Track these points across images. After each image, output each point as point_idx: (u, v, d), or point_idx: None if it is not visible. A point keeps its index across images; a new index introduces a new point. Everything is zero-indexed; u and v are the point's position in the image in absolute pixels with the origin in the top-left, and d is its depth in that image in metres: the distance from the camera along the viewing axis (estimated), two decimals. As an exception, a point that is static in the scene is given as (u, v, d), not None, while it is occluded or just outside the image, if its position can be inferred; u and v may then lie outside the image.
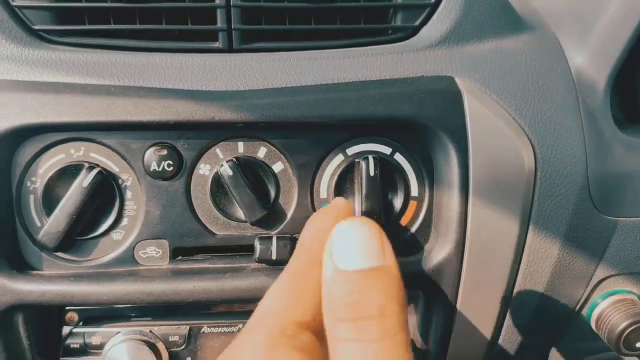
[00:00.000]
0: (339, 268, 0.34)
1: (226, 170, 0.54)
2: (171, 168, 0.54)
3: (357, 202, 0.56)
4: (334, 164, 0.57)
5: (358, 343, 0.32)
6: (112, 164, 0.55)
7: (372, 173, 0.55)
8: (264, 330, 0.34)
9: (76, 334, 0.59)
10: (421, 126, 0.54)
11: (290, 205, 0.57)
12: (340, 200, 0.47)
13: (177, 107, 0.51)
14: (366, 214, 0.54)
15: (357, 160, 0.56)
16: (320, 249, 0.38)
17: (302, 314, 0.35)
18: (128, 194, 0.55)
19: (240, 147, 0.56)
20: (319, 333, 0.37)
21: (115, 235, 0.56)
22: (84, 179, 0.52)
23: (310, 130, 0.56)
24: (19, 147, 0.53)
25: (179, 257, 0.57)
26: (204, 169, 0.56)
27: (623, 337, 0.59)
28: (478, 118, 0.54)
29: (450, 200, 0.55)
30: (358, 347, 0.32)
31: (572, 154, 0.56)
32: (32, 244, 0.55)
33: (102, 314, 0.59)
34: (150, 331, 0.58)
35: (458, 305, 0.57)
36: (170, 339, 0.59)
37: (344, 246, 0.35)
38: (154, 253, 0.56)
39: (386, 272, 0.34)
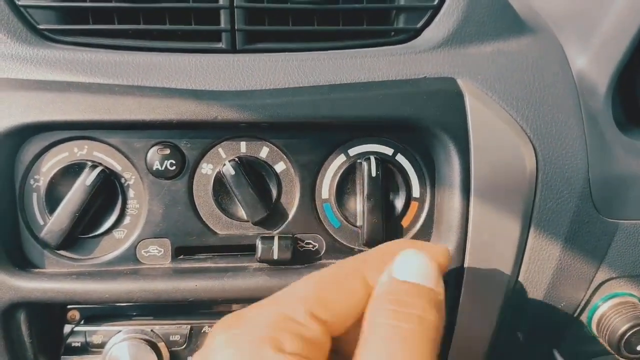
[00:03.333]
0: (396, 277, 0.37)
1: (228, 170, 0.54)
2: (174, 167, 0.55)
3: (359, 202, 0.56)
4: (336, 165, 0.57)
5: (394, 322, 0.34)
6: (115, 163, 0.55)
7: (373, 174, 0.55)
8: (276, 310, 0.35)
9: (77, 332, 0.59)
10: (423, 127, 0.54)
11: (292, 205, 0.57)
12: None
13: (180, 107, 0.52)
14: (368, 214, 0.54)
15: (359, 160, 0.56)
16: (373, 266, 0.41)
17: (322, 311, 0.36)
18: (130, 193, 0.56)
19: (243, 146, 0.56)
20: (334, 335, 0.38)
21: (118, 233, 0.56)
22: (87, 178, 0.52)
23: (312, 131, 0.56)
24: (23, 145, 0.53)
25: (181, 256, 0.57)
26: (207, 169, 0.56)
27: (624, 340, 0.59)
28: (480, 119, 0.54)
29: (452, 201, 0.55)
30: (392, 325, 0.34)
31: (573, 156, 0.56)
32: (34, 241, 0.55)
33: (103, 312, 0.59)
34: (151, 330, 0.58)
35: (459, 307, 0.57)
36: (171, 338, 0.59)
37: (405, 263, 0.38)
38: (155, 252, 0.56)
39: (436, 295, 0.37)
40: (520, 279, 0.58)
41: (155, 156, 0.54)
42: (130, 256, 0.56)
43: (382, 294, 0.37)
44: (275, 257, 0.55)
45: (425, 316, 0.35)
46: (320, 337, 0.35)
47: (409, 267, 0.38)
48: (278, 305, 0.36)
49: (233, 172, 0.54)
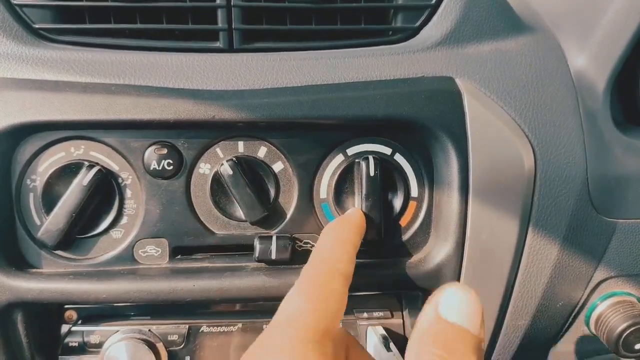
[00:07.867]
0: (443, 316, 0.36)
1: (226, 170, 0.54)
2: (171, 167, 0.54)
3: (357, 202, 0.56)
4: (334, 164, 0.57)
5: None
6: (112, 163, 0.55)
7: (372, 173, 0.55)
8: (293, 336, 0.35)
9: (75, 332, 0.59)
10: (421, 127, 0.54)
11: (290, 205, 0.57)
12: (355, 212, 0.52)
13: (178, 106, 0.52)
14: (366, 214, 0.54)
15: (357, 160, 0.56)
16: (340, 259, 0.43)
17: (329, 322, 0.37)
18: (128, 193, 0.55)
19: (241, 146, 0.56)
20: (336, 340, 0.39)
21: (115, 233, 0.56)
22: (84, 178, 0.52)
23: (310, 130, 0.56)
24: (19, 145, 0.53)
25: (179, 256, 0.57)
26: (204, 168, 0.56)
27: (622, 338, 0.59)
28: (478, 119, 0.54)
29: (450, 200, 0.55)
30: None
31: (571, 155, 0.56)
32: (31, 241, 0.55)
33: (101, 312, 0.59)
34: (149, 330, 0.58)
35: (457, 306, 0.57)
36: (169, 338, 0.59)
37: (455, 303, 0.36)
38: (153, 252, 0.56)
39: (479, 343, 0.36)
40: (518, 278, 0.58)
41: (153, 156, 0.54)
42: (128, 256, 0.56)
43: (427, 331, 0.36)
44: (273, 257, 0.55)
45: None
46: (336, 347, 0.37)
47: (459, 308, 0.36)
48: (289, 335, 0.35)
49: (231, 172, 0.54)
